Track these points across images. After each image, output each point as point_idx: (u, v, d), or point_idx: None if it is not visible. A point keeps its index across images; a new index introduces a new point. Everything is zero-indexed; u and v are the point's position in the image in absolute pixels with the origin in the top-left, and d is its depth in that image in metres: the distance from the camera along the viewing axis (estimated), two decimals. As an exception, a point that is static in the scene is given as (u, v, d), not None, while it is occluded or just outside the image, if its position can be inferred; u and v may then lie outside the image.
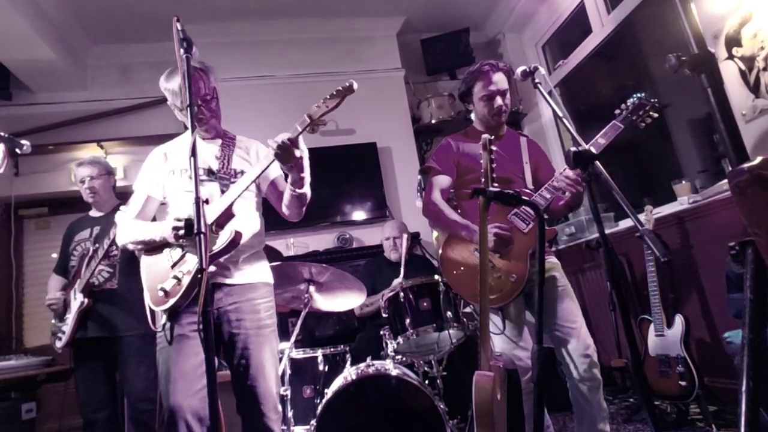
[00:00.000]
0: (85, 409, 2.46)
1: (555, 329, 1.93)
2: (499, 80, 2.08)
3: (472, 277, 1.94)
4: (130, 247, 1.80)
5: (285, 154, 1.60)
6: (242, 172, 1.81)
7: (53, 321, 2.55)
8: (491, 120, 2.11)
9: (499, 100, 2.08)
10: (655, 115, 1.91)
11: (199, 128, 1.82)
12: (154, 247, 1.72)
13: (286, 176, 1.76)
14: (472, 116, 2.26)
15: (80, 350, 2.50)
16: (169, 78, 1.79)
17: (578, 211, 3.95)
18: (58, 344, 2.49)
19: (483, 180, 1.63)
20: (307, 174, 1.73)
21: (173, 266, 1.66)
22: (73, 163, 4.31)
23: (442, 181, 2.12)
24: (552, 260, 2.05)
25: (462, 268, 1.98)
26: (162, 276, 1.67)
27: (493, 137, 1.71)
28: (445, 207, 2.06)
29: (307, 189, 1.77)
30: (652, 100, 1.93)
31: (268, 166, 1.69)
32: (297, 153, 1.62)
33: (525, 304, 2.00)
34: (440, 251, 2.09)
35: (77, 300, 2.43)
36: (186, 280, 1.60)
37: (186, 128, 1.89)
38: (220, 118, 1.88)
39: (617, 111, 1.93)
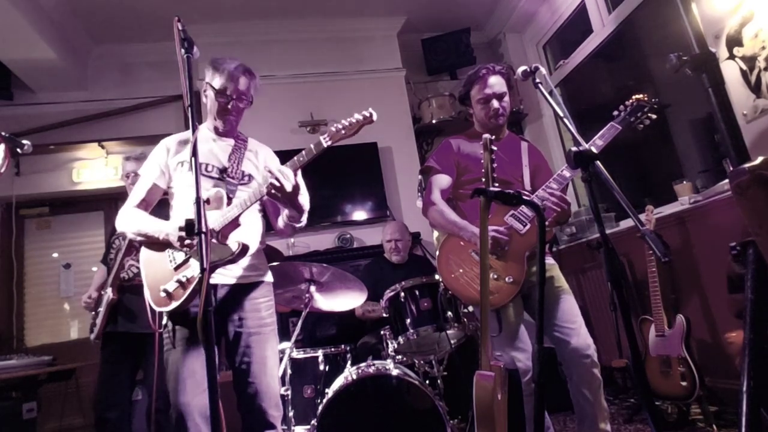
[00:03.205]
0: (99, 406, 2.46)
1: (554, 330, 1.93)
2: (496, 83, 2.09)
3: (469, 278, 1.94)
4: (129, 236, 1.78)
5: (279, 190, 1.60)
6: (249, 176, 1.83)
7: (92, 313, 2.58)
8: (489, 122, 2.12)
9: (495, 103, 2.08)
10: (654, 116, 1.92)
11: (220, 120, 1.83)
12: (155, 243, 1.72)
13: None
14: (474, 120, 2.27)
15: (109, 344, 2.51)
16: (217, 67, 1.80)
17: (579, 210, 3.95)
18: (92, 336, 2.52)
19: (484, 180, 1.63)
20: (305, 211, 1.75)
21: (176, 269, 1.66)
22: (75, 163, 4.34)
23: (442, 181, 2.13)
24: (549, 261, 2.05)
25: (460, 270, 1.98)
26: (164, 276, 1.67)
27: (493, 138, 1.70)
28: (444, 207, 2.07)
29: (303, 222, 1.80)
30: (653, 100, 1.92)
31: (260, 198, 1.68)
32: (288, 186, 1.59)
33: (523, 306, 2.01)
34: (438, 252, 2.09)
35: (106, 294, 2.46)
36: (190, 285, 1.61)
37: (200, 122, 1.90)
38: (240, 121, 1.89)
39: (615, 112, 1.93)
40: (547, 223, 1.96)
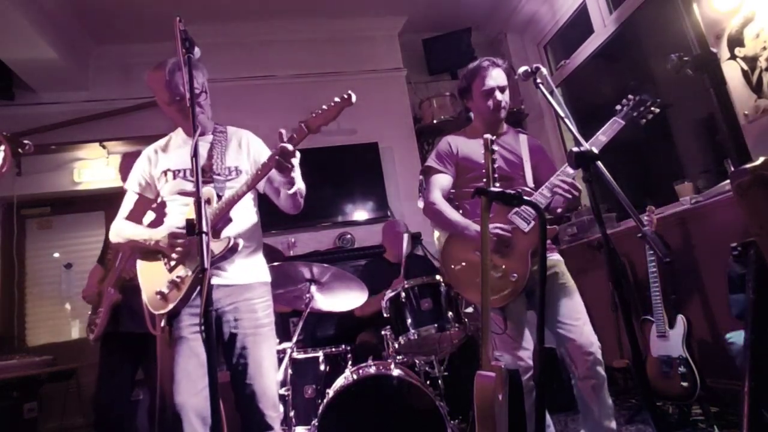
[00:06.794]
0: (99, 406, 2.46)
1: (557, 327, 1.92)
2: (498, 76, 2.08)
3: (473, 276, 1.93)
4: (123, 247, 1.80)
5: (283, 165, 1.59)
6: (236, 170, 1.80)
7: (89, 313, 2.56)
8: (491, 116, 2.10)
9: (498, 95, 2.07)
10: (657, 110, 1.89)
11: (186, 124, 1.81)
12: (150, 252, 1.72)
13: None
14: (472, 115, 2.26)
15: (109, 344, 2.50)
16: (154, 71, 1.75)
17: (580, 211, 3.94)
18: (91, 336, 2.50)
19: (485, 180, 1.63)
20: (297, 174, 1.72)
21: (171, 271, 1.66)
22: (76, 163, 4.35)
23: (442, 180, 2.12)
24: (555, 257, 2.04)
25: (464, 265, 1.98)
26: (159, 281, 1.67)
27: (494, 137, 1.70)
28: (445, 206, 2.06)
29: (299, 185, 1.76)
30: (657, 101, 1.91)
31: (264, 176, 1.67)
32: (293, 161, 1.60)
33: (527, 303, 2.00)
34: (441, 251, 2.09)
35: (108, 293, 2.45)
36: (184, 285, 1.61)
37: (175, 125, 1.89)
38: (210, 113, 1.85)
39: (618, 107, 1.92)
40: (559, 210, 1.95)
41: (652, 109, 1.89)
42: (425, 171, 2.22)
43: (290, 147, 1.58)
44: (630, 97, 1.91)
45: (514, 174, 2.07)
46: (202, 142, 1.81)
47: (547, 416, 2.01)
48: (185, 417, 1.54)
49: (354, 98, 1.57)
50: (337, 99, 1.58)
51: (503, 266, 1.89)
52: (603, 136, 1.85)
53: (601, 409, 1.85)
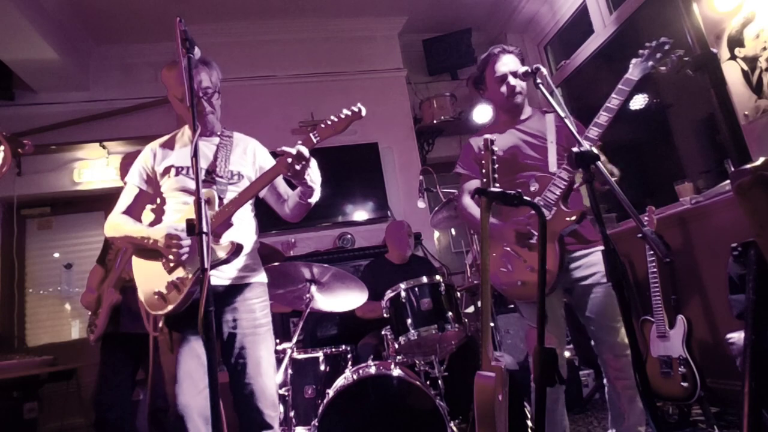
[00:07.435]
0: (99, 406, 2.45)
1: (593, 327, 1.90)
2: (510, 61, 2.06)
3: (500, 266, 1.92)
4: (118, 242, 1.78)
5: (296, 170, 1.61)
6: (239, 174, 1.81)
7: (90, 313, 2.56)
8: (507, 102, 2.07)
9: (512, 80, 2.04)
10: (680, 52, 1.79)
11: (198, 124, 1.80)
12: (146, 250, 1.71)
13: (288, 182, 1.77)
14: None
15: (110, 345, 2.49)
16: (170, 68, 1.75)
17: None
18: (92, 337, 2.50)
19: (485, 180, 1.63)
20: (317, 185, 1.74)
21: (170, 272, 1.65)
22: (76, 163, 4.35)
23: (472, 184, 2.12)
24: (597, 255, 1.92)
25: (493, 257, 1.96)
26: (158, 281, 1.66)
27: (495, 139, 1.67)
28: (474, 209, 2.07)
29: (316, 197, 1.78)
30: (672, 41, 1.82)
31: (271, 180, 1.69)
32: (310, 167, 1.63)
33: (562, 298, 1.98)
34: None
35: (109, 293, 2.44)
36: (184, 287, 1.60)
37: (182, 123, 1.89)
38: (219, 115, 1.85)
39: (633, 60, 1.84)
40: (576, 185, 1.88)
41: (676, 51, 1.80)
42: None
43: (306, 152, 1.59)
44: (647, 45, 1.83)
45: (536, 161, 2.00)
46: (208, 143, 1.82)
47: (565, 417, 1.98)
48: (189, 418, 1.54)
49: (364, 112, 1.58)
50: (347, 112, 1.60)
51: (531, 260, 1.84)
52: (616, 99, 1.81)
53: (632, 412, 1.82)
